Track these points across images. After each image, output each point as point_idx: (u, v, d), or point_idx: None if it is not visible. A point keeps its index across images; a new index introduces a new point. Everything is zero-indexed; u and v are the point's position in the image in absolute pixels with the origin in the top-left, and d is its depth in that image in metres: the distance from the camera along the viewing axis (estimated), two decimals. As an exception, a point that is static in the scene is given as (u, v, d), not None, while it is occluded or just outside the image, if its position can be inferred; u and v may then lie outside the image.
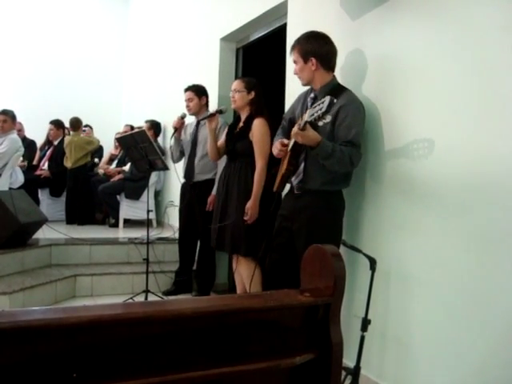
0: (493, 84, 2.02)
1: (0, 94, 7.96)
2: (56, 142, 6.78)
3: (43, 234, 4.86)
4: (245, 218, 3.24)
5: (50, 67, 8.46)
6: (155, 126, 6.10)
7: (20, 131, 6.57)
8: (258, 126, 3.31)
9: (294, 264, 2.49)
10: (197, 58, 5.36)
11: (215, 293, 4.27)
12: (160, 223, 6.07)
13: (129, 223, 6.11)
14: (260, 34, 4.32)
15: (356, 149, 2.46)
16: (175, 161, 4.42)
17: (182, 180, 4.35)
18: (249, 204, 3.24)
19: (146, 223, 4.10)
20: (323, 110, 2.15)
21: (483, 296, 2.02)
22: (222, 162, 3.75)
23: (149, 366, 1.03)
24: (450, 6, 2.22)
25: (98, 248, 4.77)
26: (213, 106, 4.38)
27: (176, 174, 4.19)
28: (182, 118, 4.21)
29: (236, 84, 3.47)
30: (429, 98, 2.33)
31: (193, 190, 4.22)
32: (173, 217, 5.43)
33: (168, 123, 5.88)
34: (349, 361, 2.36)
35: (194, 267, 4.38)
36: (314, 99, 2.64)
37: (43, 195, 6.61)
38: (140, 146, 3.91)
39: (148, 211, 4.04)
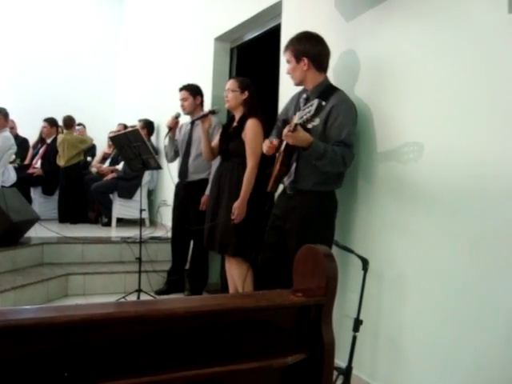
0: (486, 87, 2.03)
1: (-7, 91, 7.93)
2: (49, 140, 6.75)
3: (35, 232, 4.84)
4: (232, 218, 3.24)
5: (44, 65, 8.42)
6: (148, 125, 6.09)
7: (12, 129, 6.54)
8: (251, 127, 3.31)
9: (286, 263, 2.50)
10: (191, 58, 5.35)
11: (208, 292, 4.26)
12: (153, 222, 6.06)
13: (122, 222, 6.09)
14: (254, 34, 4.32)
15: (348, 149, 2.47)
16: (169, 160, 4.41)
17: (176, 179, 4.34)
18: (236, 203, 3.24)
19: (138, 222, 4.09)
20: (311, 113, 2.18)
21: (475, 297, 2.03)
22: (216, 161, 3.75)
23: (141, 366, 1.03)
24: (444, 8, 2.23)
25: (91, 247, 4.76)
26: (206, 105, 4.38)
27: (169, 174, 4.19)
28: (176, 117, 4.19)
29: (230, 84, 3.47)
30: (421, 99, 2.34)
31: (187, 190, 4.21)
32: (166, 216, 5.42)
33: (161, 122, 5.87)
34: (341, 361, 2.36)
35: (187, 267, 4.37)
36: (307, 100, 2.65)
37: (35, 194, 6.58)
38: (133, 145, 3.91)
39: (141, 210, 4.04)
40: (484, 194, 2.01)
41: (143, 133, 4.65)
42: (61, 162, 6.37)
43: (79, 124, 7.14)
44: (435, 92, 2.26)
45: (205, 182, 4.05)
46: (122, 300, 3.84)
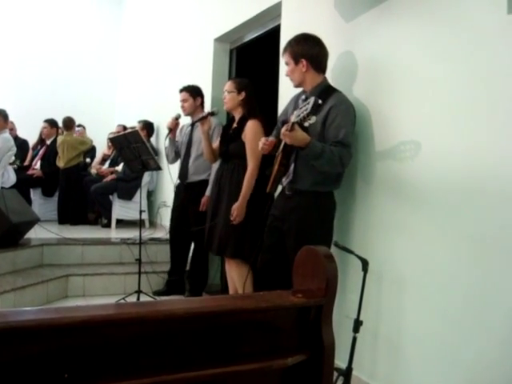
0: (486, 88, 2.03)
1: (-8, 92, 7.93)
2: (49, 142, 6.75)
3: (35, 233, 4.84)
4: (231, 219, 3.24)
5: (44, 66, 8.42)
6: (148, 127, 6.09)
7: (12, 130, 6.54)
8: (251, 128, 3.31)
9: (285, 264, 2.50)
10: (190, 59, 5.35)
11: (208, 294, 4.26)
12: (152, 224, 6.05)
13: (121, 223, 6.09)
14: (254, 35, 4.32)
15: (346, 149, 2.47)
16: (171, 162, 4.41)
17: (176, 180, 4.34)
18: (235, 205, 3.23)
19: (138, 223, 4.09)
20: (308, 110, 2.19)
21: (475, 297, 2.03)
22: (216, 163, 3.75)
23: (141, 367, 1.03)
24: (444, 8, 2.24)
25: (91, 248, 4.75)
26: (207, 106, 4.38)
27: (169, 175, 4.19)
28: (177, 118, 4.19)
29: (227, 85, 3.48)
30: (421, 100, 2.34)
31: (187, 191, 4.21)
32: (165, 217, 5.42)
33: (161, 123, 5.87)
34: (341, 362, 2.36)
35: (187, 268, 4.37)
36: (305, 101, 2.65)
37: (35, 195, 6.58)
38: (133, 146, 3.91)
39: (140, 211, 4.03)
40: (484, 193, 2.01)
41: (143, 134, 4.65)
42: (60, 163, 6.36)
43: (79, 125, 7.13)
44: (435, 92, 2.26)
45: (205, 183, 4.05)
46: (122, 301, 3.84)
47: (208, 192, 3.96)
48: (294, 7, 3.43)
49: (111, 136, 4.86)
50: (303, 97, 2.71)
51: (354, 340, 2.32)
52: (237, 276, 3.35)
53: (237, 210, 3.22)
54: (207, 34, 4.85)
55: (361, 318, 2.32)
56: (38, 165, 6.69)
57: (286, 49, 2.72)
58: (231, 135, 3.44)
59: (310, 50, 2.63)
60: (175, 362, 1.06)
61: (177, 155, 4.37)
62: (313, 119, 2.25)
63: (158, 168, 4.20)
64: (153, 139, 6.22)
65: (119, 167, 6.18)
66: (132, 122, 6.55)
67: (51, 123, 6.77)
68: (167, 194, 5.47)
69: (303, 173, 2.59)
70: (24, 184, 6.17)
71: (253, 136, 3.27)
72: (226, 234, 3.31)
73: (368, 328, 2.45)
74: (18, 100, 7.82)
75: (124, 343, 1.01)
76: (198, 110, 4.23)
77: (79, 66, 8.66)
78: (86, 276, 4.37)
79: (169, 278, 4.40)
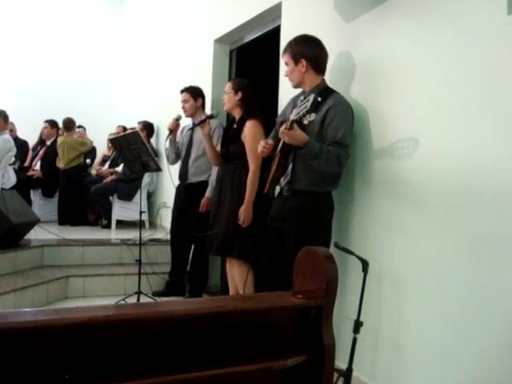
0: (486, 88, 2.03)
1: (-8, 93, 7.93)
2: (49, 142, 6.76)
3: (35, 234, 4.84)
4: (239, 223, 3.23)
5: (44, 67, 8.42)
6: (148, 127, 6.09)
7: (12, 131, 6.53)
8: (250, 128, 3.30)
9: (285, 265, 2.50)
10: (190, 60, 5.35)
11: (208, 294, 4.26)
12: (152, 224, 6.05)
13: (121, 224, 6.08)
14: (254, 36, 4.32)
15: (344, 149, 2.49)
16: (171, 163, 4.41)
17: (176, 181, 4.34)
18: (242, 209, 3.22)
19: (138, 224, 4.09)
20: (307, 107, 2.22)
21: (475, 298, 2.03)
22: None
23: (141, 368, 1.03)
24: (444, 9, 2.24)
25: (91, 249, 4.75)
26: (207, 108, 4.38)
27: (169, 176, 4.19)
28: (177, 119, 4.19)
29: (226, 86, 3.49)
30: (421, 100, 2.34)
31: (187, 192, 4.20)
32: (165, 218, 5.42)
33: (161, 124, 5.88)
34: (341, 363, 2.36)
35: (188, 269, 4.37)
36: (304, 100, 2.66)
37: (35, 196, 6.58)
38: (133, 147, 3.90)
39: (141, 212, 4.03)
40: (484, 192, 2.01)
41: (143, 135, 4.64)
42: (60, 164, 6.37)
43: (79, 126, 7.13)
44: (434, 93, 2.26)
45: (205, 184, 4.04)
46: (122, 302, 3.84)
47: (208, 193, 3.96)
48: (294, 8, 3.43)
49: (111, 137, 4.87)
50: (301, 98, 2.72)
51: (355, 341, 2.32)
52: (239, 276, 3.34)
53: (244, 213, 3.22)
54: (207, 34, 4.85)
55: (361, 319, 2.32)
56: (37, 165, 6.70)
57: (286, 49, 2.74)
58: (231, 136, 3.44)
59: (310, 50, 2.65)
60: (175, 363, 1.06)
61: (177, 156, 4.37)
62: (312, 116, 2.27)
63: (158, 169, 4.19)
64: (153, 140, 6.22)
65: (119, 168, 6.18)
66: (132, 123, 6.55)
67: (52, 124, 6.78)
68: (167, 195, 5.47)
69: (301, 173, 2.60)
70: (24, 185, 6.17)
71: (252, 137, 3.26)
72: (230, 236, 3.30)
73: (368, 329, 2.45)
74: (18, 101, 7.83)
75: (124, 344, 1.01)
76: (199, 111, 4.23)
77: (79, 67, 8.66)
78: (86, 277, 4.36)
79: (169, 279, 4.40)
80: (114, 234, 5.65)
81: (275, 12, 3.71)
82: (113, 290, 4.35)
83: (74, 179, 6.38)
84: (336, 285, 1.24)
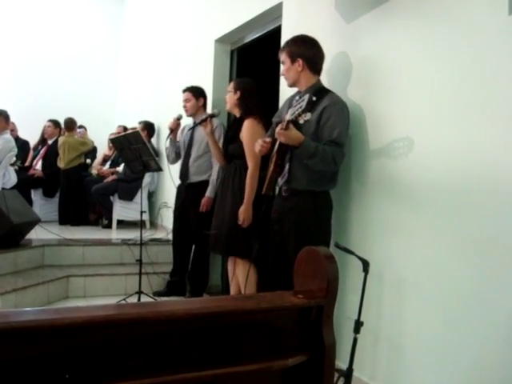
0: (486, 89, 2.03)
1: (-7, 93, 7.93)
2: (50, 142, 6.76)
3: (36, 234, 4.84)
4: (239, 223, 3.23)
5: (44, 67, 8.42)
6: (149, 127, 6.09)
7: (13, 131, 6.54)
8: (247, 127, 3.30)
9: (287, 265, 2.50)
10: (191, 60, 5.35)
11: (208, 294, 4.26)
12: (153, 224, 6.06)
13: (122, 224, 6.09)
14: (255, 36, 4.32)
15: (339, 148, 2.51)
16: (171, 162, 4.41)
17: (176, 181, 4.34)
18: (241, 209, 3.23)
19: (139, 224, 4.09)
20: (303, 107, 2.23)
21: (475, 298, 2.03)
22: (217, 164, 3.74)
23: (142, 368, 1.03)
24: (444, 10, 2.24)
25: (91, 249, 4.76)
26: (209, 107, 4.38)
27: (170, 176, 4.19)
28: (178, 119, 4.20)
29: (229, 85, 3.50)
30: (421, 100, 2.34)
31: (188, 192, 4.21)
32: (166, 218, 5.42)
33: (162, 124, 5.88)
34: (341, 363, 2.36)
35: (189, 269, 4.37)
36: (300, 99, 2.67)
37: (36, 196, 6.59)
38: (134, 147, 3.91)
39: (141, 212, 4.03)
40: (482, 192, 2.01)
41: (143, 134, 4.65)
42: (61, 164, 6.37)
43: (80, 126, 7.13)
44: (434, 93, 2.26)
45: (206, 183, 4.05)
46: (123, 302, 3.84)
47: (208, 193, 3.96)
48: (294, 8, 3.43)
49: (112, 137, 4.87)
50: (297, 98, 2.73)
51: (355, 341, 2.32)
52: (242, 276, 3.34)
53: (243, 213, 3.22)
54: (208, 34, 4.85)
55: (361, 319, 2.32)
56: (38, 165, 6.70)
57: (283, 48, 2.77)
58: (230, 136, 3.44)
59: (307, 50, 2.68)
60: (176, 363, 1.07)
61: (177, 156, 4.37)
62: (308, 116, 2.29)
63: (159, 169, 4.20)
64: (154, 140, 6.22)
65: (120, 168, 6.18)
66: (133, 123, 6.55)
67: (55, 123, 6.80)
68: (168, 194, 5.47)
69: (298, 172, 2.61)
70: (25, 185, 6.17)
71: (249, 135, 3.25)
72: (234, 236, 3.30)
73: (369, 329, 2.45)
74: (19, 101, 7.82)
75: (125, 344, 1.02)
76: (201, 110, 4.23)
77: (80, 67, 8.66)
78: (87, 277, 4.37)
79: (170, 279, 4.40)
80: (115, 234, 5.65)
81: (276, 12, 3.72)
82: (113, 289, 4.35)
83: (75, 179, 6.38)
84: (336, 285, 1.24)
